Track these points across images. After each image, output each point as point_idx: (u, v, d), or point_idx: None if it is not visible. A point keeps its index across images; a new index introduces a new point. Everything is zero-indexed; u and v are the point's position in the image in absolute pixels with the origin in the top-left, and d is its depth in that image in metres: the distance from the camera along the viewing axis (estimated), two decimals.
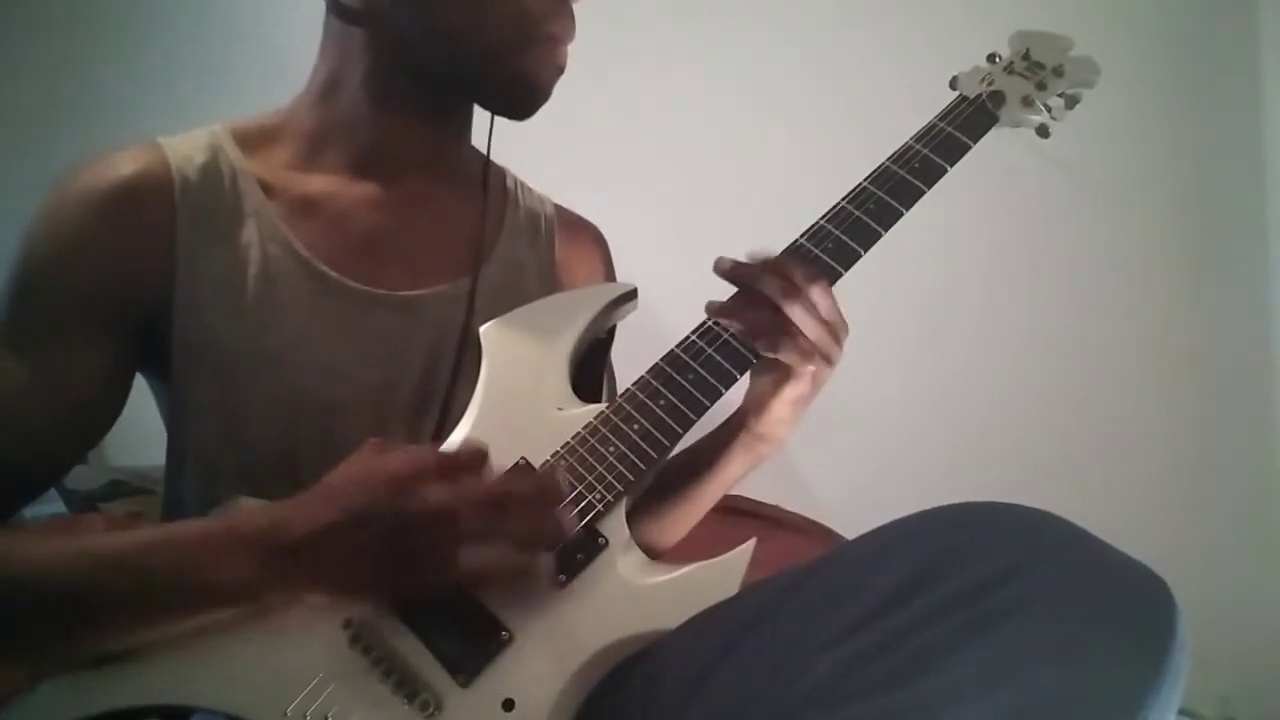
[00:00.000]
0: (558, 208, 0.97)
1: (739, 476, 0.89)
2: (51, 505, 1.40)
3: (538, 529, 0.65)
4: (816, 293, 0.77)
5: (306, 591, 0.64)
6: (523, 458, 0.74)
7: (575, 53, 0.84)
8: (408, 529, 0.62)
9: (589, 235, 0.98)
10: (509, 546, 0.65)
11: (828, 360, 0.80)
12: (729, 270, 0.80)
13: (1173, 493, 1.89)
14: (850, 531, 1.50)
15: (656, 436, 0.74)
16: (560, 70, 0.83)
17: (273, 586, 0.63)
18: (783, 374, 0.81)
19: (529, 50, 0.80)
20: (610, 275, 0.98)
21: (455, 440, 0.76)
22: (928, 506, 0.64)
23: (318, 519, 0.62)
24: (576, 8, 0.82)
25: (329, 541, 0.62)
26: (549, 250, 0.92)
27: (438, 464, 0.64)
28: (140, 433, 0.88)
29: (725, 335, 0.78)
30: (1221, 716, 1.70)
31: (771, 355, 0.79)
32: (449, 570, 0.64)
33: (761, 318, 0.78)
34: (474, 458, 0.65)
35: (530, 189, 0.97)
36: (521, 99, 0.83)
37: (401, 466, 0.63)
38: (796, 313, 0.77)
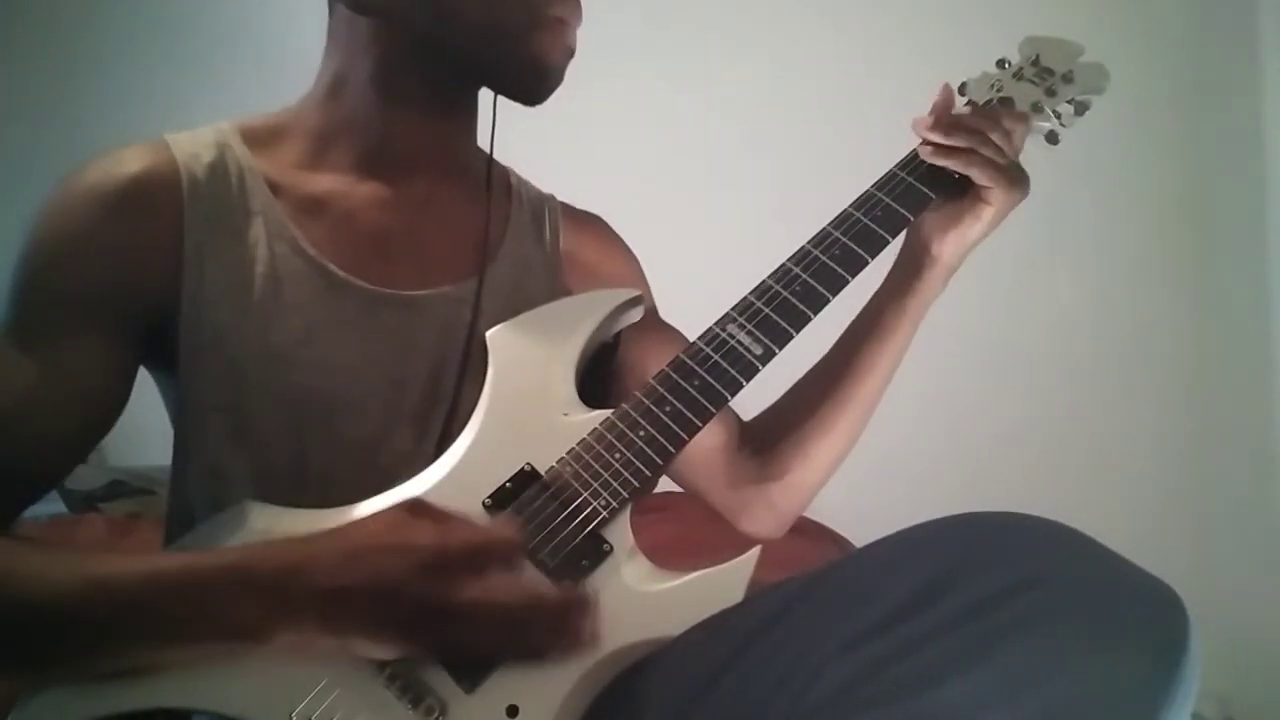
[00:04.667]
0: (562, 203, 0.97)
1: (918, 316, 0.89)
2: (51, 505, 1.40)
3: (557, 644, 0.65)
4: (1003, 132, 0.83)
5: (316, 637, 0.63)
6: (528, 463, 0.73)
7: (579, 49, 0.84)
8: (430, 617, 0.62)
9: (595, 224, 0.98)
10: (524, 652, 0.65)
11: (1010, 178, 0.83)
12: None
13: (1173, 493, 1.89)
14: (852, 533, 1.52)
15: (662, 443, 0.74)
16: (570, 52, 0.83)
17: (284, 629, 0.62)
18: (973, 197, 0.84)
19: (538, 33, 0.80)
20: (629, 257, 0.97)
21: (462, 443, 0.76)
22: (928, 506, 0.64)
23: (338, 578, 0.62)
24: None
25: (346, 603, 0.62)
26: (554, 244, 0.92)
27: (472, 553, 0.63)
28: (140, 433, 0.88)
29: (731, 341, 0.78)
30: (1221, 716, 1.71)
31: (965, 173, 0.82)
32: (462, 653, 0.65)
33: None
34: (508, 549, 0.65)
35: (533, 186, 0.97)
36: (534, 82, 0.83)
37: (436, 548, 0.62)
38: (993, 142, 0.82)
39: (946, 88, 0.87)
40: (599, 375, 0.85)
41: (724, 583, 0.70)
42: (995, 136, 0.82)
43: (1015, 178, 0.83)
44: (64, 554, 0.70)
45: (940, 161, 0.83)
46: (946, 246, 0.85)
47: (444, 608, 0.61)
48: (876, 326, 0.88)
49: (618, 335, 0.87)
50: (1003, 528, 0.57)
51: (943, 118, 0.84)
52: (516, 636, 0.64)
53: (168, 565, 0.66)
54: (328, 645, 0.63)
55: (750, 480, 0.92)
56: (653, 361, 0.82)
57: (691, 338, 0.80)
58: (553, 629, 0.64)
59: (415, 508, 0.66)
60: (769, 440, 0.92)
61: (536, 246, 0.91)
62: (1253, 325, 1.86)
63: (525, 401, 0.77)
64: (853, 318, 0.91)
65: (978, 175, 0.82)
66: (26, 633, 0.65)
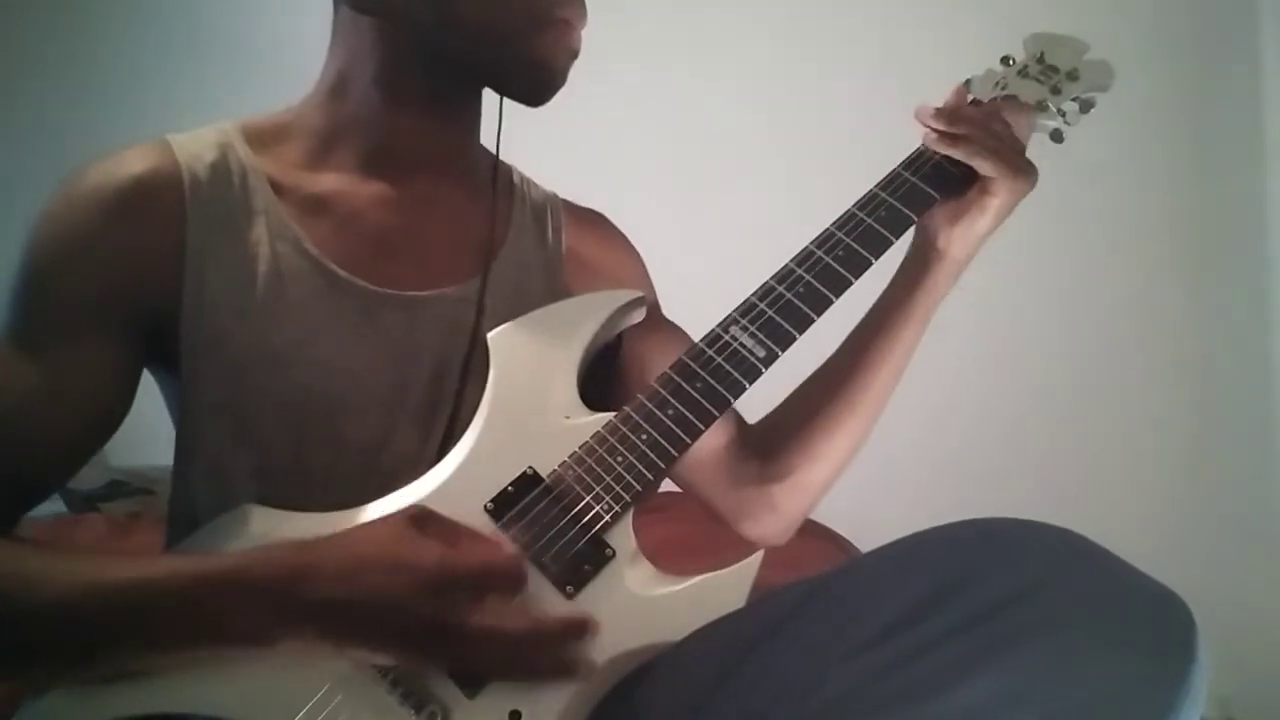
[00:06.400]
0: (565, 201, 0.97)
1: (926, 317, 0.88)
2: (51, 505, 1.39)
3: (557, 665, 0.65)
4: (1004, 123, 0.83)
5: (315, 643, 0.63)
6: (530, 466, 0.73)
7: (582, 47, 0.83)
8: (428, 635, 0.62)
9: (600, 223, 0.97)
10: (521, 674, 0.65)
11: (1015, 166, 0.82)
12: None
13: (1173, 493, 1.89)
14: (856, 537, 1.51)
15: (665, 446, 0.74)
16: (574, 54, 0.83)
17: (283, 635, 0.62)
18: (979, 189, 0.83)
19: (542, 34, 0.80)
20: (633, 255, 0.97)
21: (463, 447, 0.75)
22: (932, 511, 0.64)
23: (339, 590, 0.62)
24: None
25: (347, 614, 0.62)
26: (557, 243, 0.92)
27: (474, 578, 0.64)
28: (140, 433, 0.87)
29: (734, 344, 0.77)
30: (1222, 716, 1.71)
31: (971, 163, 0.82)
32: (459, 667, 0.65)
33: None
34: (511, 577, 0.65)
35: (537, 185, 0.96)
36: (537, 83, 0.82)
37: (438, 570, 0.62)
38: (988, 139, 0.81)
39: (959, 89, 0.87)
40: (601, 377, 0.85)
41: (727, 587, 0.69)
42: (996, 126, 0.82)
43: (1020, 167, 0.82)
44: (62, 557, 0.70)
45: (945, 149, 0.82)
46: (954, 241, 0.84)
47: (442, 628, 0.62)
48: (885, 324, 0.88)
49: (620, 336, 0.87)
50: (1008, 533, 0.57)
51: (946, 109, 0.84)
52: (513, 659, 0.65)
53: (165, 570, 0.65)
54: (327, 651, 0.63)
55: (753, 481, 0.91)
56: (655, 360, 0.82)
57: (696, 338, 0.80)
58: (551, 654, 0.65)
59: (420, 519, 0.66)
60: (774, 440, 0.91)
61: (538, 246, 0.91)
62: (1254, 327, 1.86)
63: (527, 404, 0.77)
64: (857, 321, 0.90)
65: (981, 164, 0.81)
66: (24, 636, 0.65)
